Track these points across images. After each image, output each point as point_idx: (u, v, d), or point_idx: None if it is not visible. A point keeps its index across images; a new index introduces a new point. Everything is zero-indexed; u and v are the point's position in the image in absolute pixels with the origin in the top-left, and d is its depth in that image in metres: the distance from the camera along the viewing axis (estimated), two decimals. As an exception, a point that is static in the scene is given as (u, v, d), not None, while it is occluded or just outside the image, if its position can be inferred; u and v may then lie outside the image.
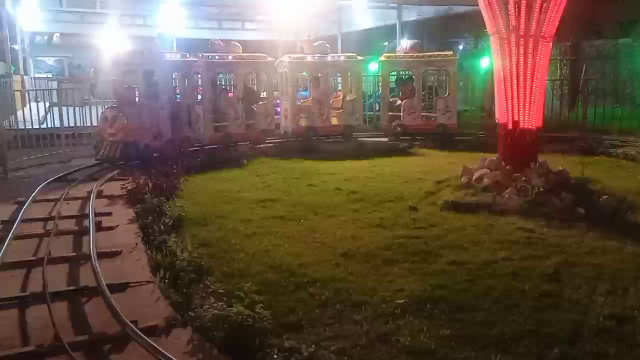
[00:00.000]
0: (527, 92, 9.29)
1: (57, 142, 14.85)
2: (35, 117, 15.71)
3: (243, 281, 5.56)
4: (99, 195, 9.29)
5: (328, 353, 4.11)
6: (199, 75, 14.93)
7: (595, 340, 4.49)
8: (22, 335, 4.54)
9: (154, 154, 11.92)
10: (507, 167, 9.35)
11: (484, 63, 22.37)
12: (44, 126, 16.17)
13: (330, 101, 16.68)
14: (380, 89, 17.92)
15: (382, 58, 17.62)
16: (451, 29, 28.22)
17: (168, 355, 3.91)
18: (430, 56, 17.46)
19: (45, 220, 7.86)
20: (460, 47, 35.05)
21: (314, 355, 4.01)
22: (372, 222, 7.93)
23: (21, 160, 13.09)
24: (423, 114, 16.82)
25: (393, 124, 16.87)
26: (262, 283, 5.61)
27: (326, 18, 31.00)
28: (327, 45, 16.97)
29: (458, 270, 5.98)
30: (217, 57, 15.09)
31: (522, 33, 9.05)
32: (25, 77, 24.81)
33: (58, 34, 35.00)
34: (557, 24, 9.16)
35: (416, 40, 18.55)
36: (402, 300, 5.19)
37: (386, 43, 39.34)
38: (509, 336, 4.54)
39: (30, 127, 15.32)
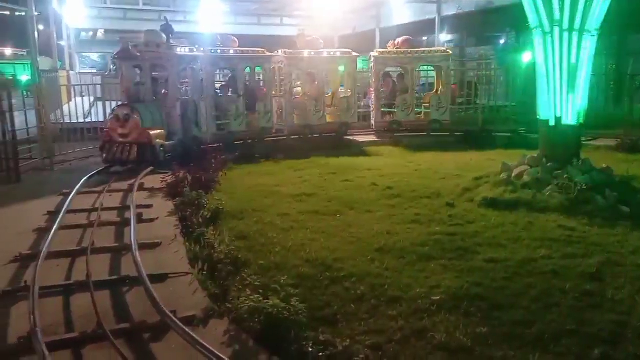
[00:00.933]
0: (570, 87, 9.07)
1: (100, 136, 15.24)
2: (80, 112, 16.14)
3: (279, 274, 5.60)
4: (140, 187, 9.51)
5: (363, 347, 4.11)
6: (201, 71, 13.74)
7: (639, 342, 4.37)
8: (66, 323, 4.70)
9: (167, 156, 11.75)
10: (549, 164, 9.15)
11: (525, 58, 21.93)
12: (88, 120, 16.60)
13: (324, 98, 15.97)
14: (372, 85, 17.35)
15: (374, 53, 17.14)
16: (492, 23, 27.75)
17: (206, 345, 3.99)
18: (423, 52, 17.19)
19: (89, 211, 8.10)
20: (502, 41, 34.42)
21: (348, 349, 4.02)
22: (408, 218, 7.88)
23: (67, 153, 13.54)
24: (417, 110, 16.73)
25: (387, 120, 16.63)
26: (298, 277, 5.64)
27: (365, 13, 30.88)
28: (321, 41, 16.31)
29: (496, 268, 5.89)
30: (219, 51, 14.19)
31: (565, 27, 8.83)
32: (70, 72, 25.50)
33: (102, 31, 35.85)
34: (603, 17, 8.91)
35: (408, 36, 17.76)
36: (438, 297, 5.14)
37: (425, 38, 38.93)
38: (548, 335, 4.45)
39: (76, 121, 15.79)
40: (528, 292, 5.29)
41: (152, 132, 11.69)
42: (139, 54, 12.63)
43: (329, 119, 16.05)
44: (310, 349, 4.05)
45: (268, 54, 15.35)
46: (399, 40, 17.13)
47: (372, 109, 17.31)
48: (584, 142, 10.83)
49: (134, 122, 11.60)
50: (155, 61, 12.67)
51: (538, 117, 9.73)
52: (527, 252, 6.40)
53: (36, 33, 17.93)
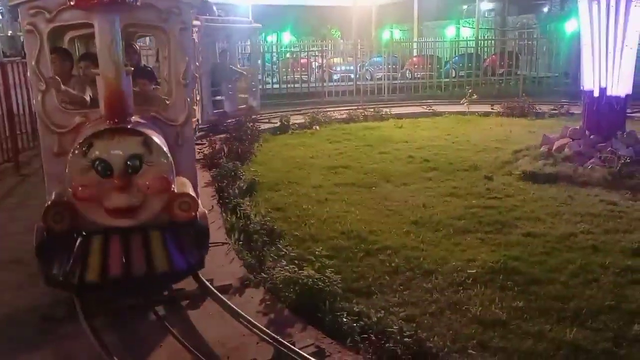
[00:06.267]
0: (616, 57, 8.74)
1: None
2: None
3: (314, 246, 5.64)
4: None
5: (397, 319, 4.13)
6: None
7: (681, 319, 4.27)
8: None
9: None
10: (591, 137, 8.91)
11: (569, 27, 21.21)
12: None
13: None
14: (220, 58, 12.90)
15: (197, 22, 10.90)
16: (535, -10, 26.86)
17: (242, 313, 4.07)
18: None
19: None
20: (545, 9, 33.31)
21: (382, 320, 4.04)
22: (445, 191, 7.81)
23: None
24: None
25: (215, 112, 12.08)
26: (332, 248, 5.68)
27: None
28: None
29: (534, 242, 5.81)
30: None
31: (613, -7, 8.48)
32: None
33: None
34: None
35: None
36: (474, 270, 5.11)
37: (465, 7, 37.96)
38: (586, 311, 4.38)
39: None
40: (566, 267, 5.20)
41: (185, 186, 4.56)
42: None
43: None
44: (345, 320, 4.08)
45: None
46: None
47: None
48: (629, 114, 10.47)
49: (155, 170, 3.93)
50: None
51: (582, 87, 9.44)
52: (567, 226, 6.28)
53: None
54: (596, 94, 9.01)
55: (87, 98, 4.99)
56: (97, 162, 3.77)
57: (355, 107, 15.86)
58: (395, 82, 19.98)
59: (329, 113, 14.63)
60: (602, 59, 8.85)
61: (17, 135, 9.11)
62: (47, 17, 4.17)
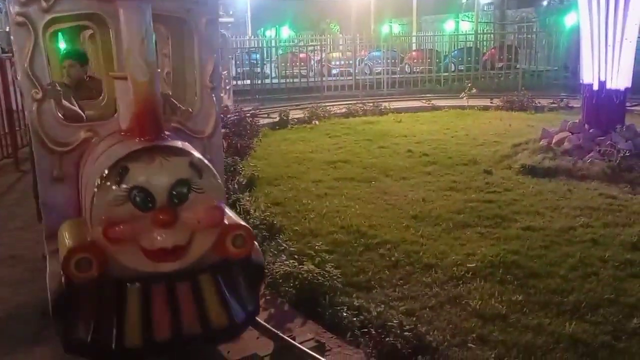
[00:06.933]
0: (616, 50, 8.72)
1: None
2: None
3: (314, 240, 5.65)
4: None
5: (397, 313, 4.14)
6: None
7: (680, 313, 4.28)
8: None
9: None
10: (591, 130, 8.90)
11: (569, 20, 21.19)
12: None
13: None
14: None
15: None
16: (534, -16, 26.82)
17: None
18: None
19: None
20: (544, 3, 33.24)
21: (382, 314, 4.04)
22: (444, 185, 7.81)
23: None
24: None
25: None
26: (332, 243, 5.68)
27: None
28: None
29: (533, 236, 5.81)
30: None
31: (612, -14, 8.46)
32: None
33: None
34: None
35: None
36: (474, 264, 5.11)
37: (464, 0, 37.93)
38: (585, 304, 4.39)
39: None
40: (566, 260, 5.20)
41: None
42: None
43: None
44: (345, 314, 4.09)
45: None
46: None
47: None
48: (628, 107, 10.46)
49: (205, 198, 3.04)
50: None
51: (581, 81, 9.43)
52: (566, 220, 6.28)
53: None
54: (595, 87, 9.00)
55: (79, 111, 4.18)
56: (134, 192, 2.86)
57: (355, 102, 15.84)
58: (395, 76, 19.96)
59: (328, 108, 14.62)
60: (601, 52, 8.83)
61: (16, 132, 9.11)
62: (43, 6, 3.35)
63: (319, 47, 21.10)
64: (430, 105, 15.70)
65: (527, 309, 4.35)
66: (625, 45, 8.68)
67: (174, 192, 2.91)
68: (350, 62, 20.89)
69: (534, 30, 24.26)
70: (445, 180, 8.04)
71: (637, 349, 3.83)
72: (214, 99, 3.87)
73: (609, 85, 8.89)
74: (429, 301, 4.51)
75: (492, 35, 26.20)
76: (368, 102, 15.38)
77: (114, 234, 2.85)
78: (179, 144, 3.21)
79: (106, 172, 2.91)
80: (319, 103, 15.02)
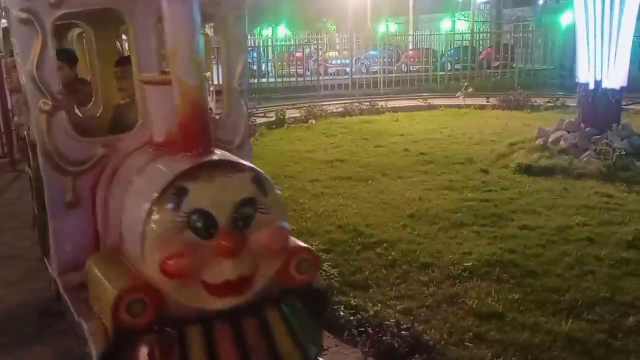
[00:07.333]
0: (612, 49, 8.75)
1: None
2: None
3: (311, 240, 5.63)
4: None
5: (394, 312, 4.15)
6: None
7: (676, 311, 4.30)
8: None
9: None
10: (587, 129, 8.92)
11: (565, 19, 21.22)
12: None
13: None
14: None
15: None
16: (531, -17, 26.87)
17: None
18: None
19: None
20: (540, 2, 33.30)
21: (379, 313, 4.06)
22: (441, 184, 7.82)
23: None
24: None
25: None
26: (329, 242, 5.68)
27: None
28: None
29: (529, 235, 5.82)
30: None
31: (608, -16, 8.48)
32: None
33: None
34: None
35: None
36: (470, 263, 5.12)
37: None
38: (582, 303, 4.40)
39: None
40: (562, 259, 5.22)
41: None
42: None
43: None
44: (342, 313, 4.10)
45: None
46: None
47: None
48: (624, 106, 10.50)
49: (271, 220, 2.62)
50: None
51: (577, 80, 9.46)
52: (562, 219, 6.30)
53: None
54: (591, 86, 9.02)
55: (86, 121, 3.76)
56: (194, 217, 2.40)
57: (351, 101, 15.85)
58: (391, 75, 19.98)
59: (324, 107, 14.63)
60: (597, 51, 8.86)
61: (12, 131, 9.08)
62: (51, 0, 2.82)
63: (315, 46, 21.11)
64: (426, 104, 15.72)
65: (524, 308, 4.36)
66: (620, 45, 8.71)
67: (238, 215, 2.47)
68: (347, 60, 20.92)
69: (530, 29, 24.30)
70: (442, 179, 8.06)
71: (633, 347, 3.84)
72: (243, 104, 3.44)
73: (604, 84, 8.91)
74: (425, 300, 4.51)
75: (488, 34, 26.24)
76: (365, 101, 15.41)
77: (172, 268, 2.39)
78: (234, 157, 2.75)
79: (157, 194, 2.44)
80: (315, 102, 15.04)
